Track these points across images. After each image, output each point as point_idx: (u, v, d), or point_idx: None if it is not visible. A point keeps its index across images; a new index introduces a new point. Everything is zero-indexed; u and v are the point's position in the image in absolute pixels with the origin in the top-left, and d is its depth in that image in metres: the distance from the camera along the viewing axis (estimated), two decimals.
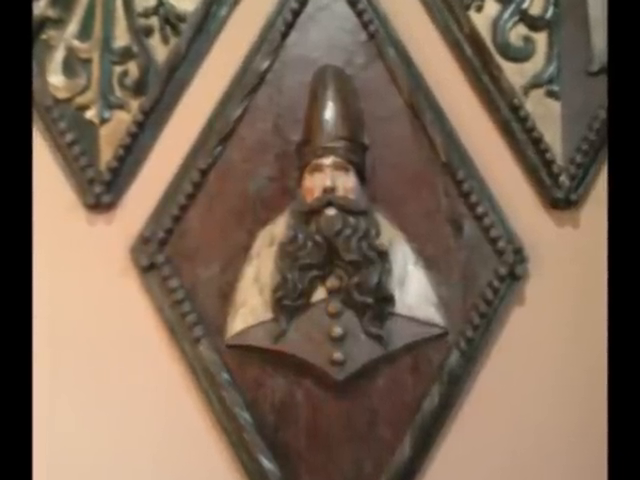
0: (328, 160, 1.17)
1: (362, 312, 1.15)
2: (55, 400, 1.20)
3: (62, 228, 1.24)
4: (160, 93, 1.27)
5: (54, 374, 1.20)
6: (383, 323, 1.16)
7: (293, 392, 1.18)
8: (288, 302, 1.15)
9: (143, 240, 1.22)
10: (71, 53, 1.28)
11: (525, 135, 1.27)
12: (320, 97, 1.21)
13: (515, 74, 1.28)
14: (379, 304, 1.15)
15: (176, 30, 1.29)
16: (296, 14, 1.28)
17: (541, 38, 1.30)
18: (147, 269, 1.21)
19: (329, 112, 1.20)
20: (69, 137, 1.24)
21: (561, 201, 1.26)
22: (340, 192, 1.16)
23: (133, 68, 1.28)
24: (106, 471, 1.19)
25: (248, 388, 1.18)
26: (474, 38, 1.29)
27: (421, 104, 1.25)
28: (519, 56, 1.30)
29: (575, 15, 1.31)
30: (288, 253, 1.16)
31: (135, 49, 1.28)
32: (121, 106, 1.27)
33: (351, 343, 1.15)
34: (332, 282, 1.16)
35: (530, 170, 1.27)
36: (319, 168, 1.17)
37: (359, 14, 1.28)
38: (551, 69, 1.29)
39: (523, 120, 1.27)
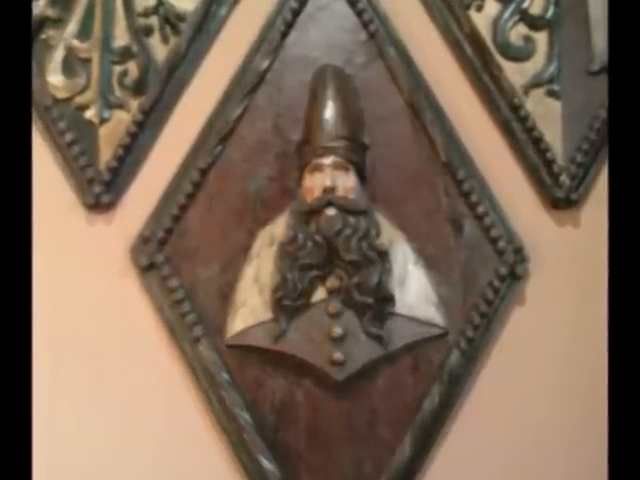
0: (328, 160, 1.17)
1: (362, 312, 1.15)
2: (55, 400, 1.20)
3: (62, 228, 1.24)
4: (160, 93, 1.26)
5: (54, 374, 1.20)
6: (383, 323, 1.16)
7: (293, 392, 1.18)
8: (288, 302, 1.15)
9: (143, 240, 1.22)
10: (71, 53, 1.28)
11: (525, 135, 1.27)
12: (320, 97, 1.21)
13: (515, 73, 1.28)
14: (379, 304, 1.15)
15: (176, 30, 1.28)
16: (296, 14, 1.28)
17: (541, 37, 1.30)
18: (147, 269, 1.21)
19: (329, 112, 1.19)
20: (69, 137, 1.24)
21: (561, 201, 1.25)
22: (340, 192, 1.16)
23: (133, 68, 1.28)
24: (106, 471, 1.19)
25: (248, 388, 1.18)
26: (474, 38, 1.29)
27: (421, 104, 1.25)
28: (519, 55, 1.29)
29: (575, 14, 1.31)
30: (288, 253, 1.16)
31: (135, 49, 1.28)
32: (121, 106, 1.27)
33: (351, 343, 1.15)
34: (332, 282, 1.16)
35: (530, 170, 1.27)
36: (319, 168, 1.17)
37: (359, 14, 1.27)
38: (551, 69, 1.29)
39: (523, 120, 1.26)
